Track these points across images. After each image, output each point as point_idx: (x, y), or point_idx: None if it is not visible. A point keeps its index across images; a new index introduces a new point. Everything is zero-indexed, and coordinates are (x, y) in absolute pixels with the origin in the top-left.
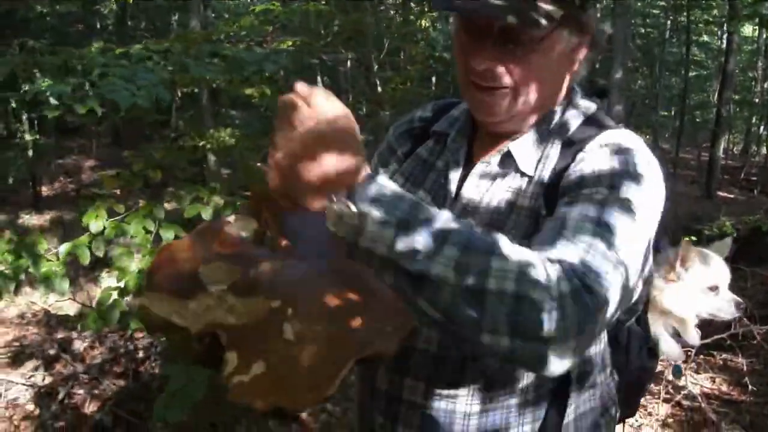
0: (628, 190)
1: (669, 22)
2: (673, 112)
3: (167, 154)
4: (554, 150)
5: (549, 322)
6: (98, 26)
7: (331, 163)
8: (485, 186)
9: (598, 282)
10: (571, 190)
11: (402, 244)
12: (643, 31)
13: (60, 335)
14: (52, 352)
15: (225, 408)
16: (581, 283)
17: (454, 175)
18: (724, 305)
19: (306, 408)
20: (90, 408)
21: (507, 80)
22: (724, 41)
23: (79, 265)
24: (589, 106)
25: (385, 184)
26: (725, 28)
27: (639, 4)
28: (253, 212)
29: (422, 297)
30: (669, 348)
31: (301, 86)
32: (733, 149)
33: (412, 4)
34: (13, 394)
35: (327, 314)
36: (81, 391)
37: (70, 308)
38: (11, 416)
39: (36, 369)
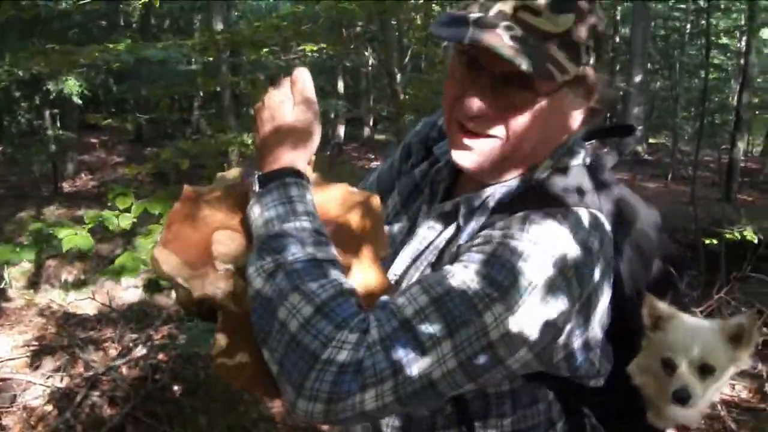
0: (489, 282)
1: (689, 25)
2: (692, 113)
3: (193, 146)
4: (485, 212)
5: (305, 377)
6: (122, 23)
7: (267, 149)
8: (435, 230)
9: (378, 365)
10: (453, 259)
11: (258, 238)
12: (663, 33)
13: (79, 336)
14: (70, 352)
15: (242, 413)
16: (360, 360)
17: (424, 210)
18: (667, 391)
19: (279, 398)
20: (108, 410)
21: (497, 130)
22: (743, 43)
23: (103, 265)
24: (557, 168)
25: (288, 184)
26: (744, 30)
27: (659, 6)
28: None
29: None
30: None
31: (297, 72)
32: (752, 151)
33: (435, 6)
34: (31, 395)
35: None
36: (99, 393)
37: (88, 307)
38: (28, 417)
39: (56, 371)
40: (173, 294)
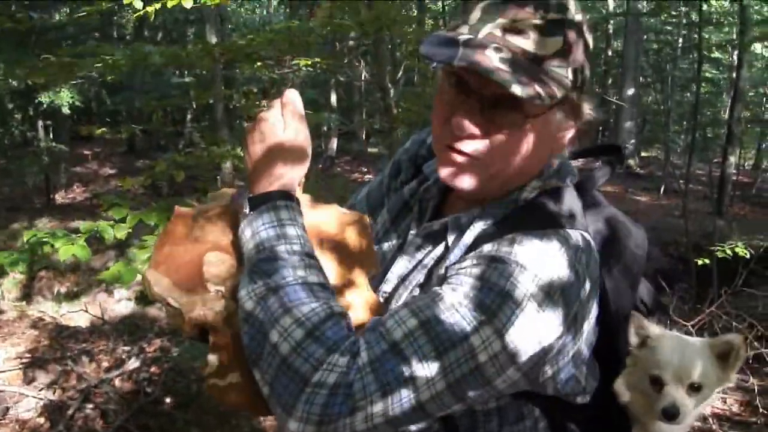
0: (477, 305)
1: (681, 39)
2: (685, 127)
3: (188, 158)
4: (476, 228)
5: (296, 400)
6: (115, 36)
7: (257, 171)
8: (424, 249)
9: (368, 387)
10: (444, 281)
11: (249, 260)
12: (655, 46)
13: (71, 348)
14: (63, 365)
15: (234, 426)
16: (350, 383)
17: (412, 231)
18: (655, 406)
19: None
20: (100, 423)
21: (486, 151)
22: (735, 57)
23: (93, 280)
24: (544, 189)
25: (279, 207)
26: (736, 44)
27: (652, 20)
28: None
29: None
30: None
31: (288, 94)
32: (744, 165)
33: (429, 20)
34: (24, 407)
35: None
36: (91, 406)
37: (81, 319)
38: (21, 430)
39: (49, 383)
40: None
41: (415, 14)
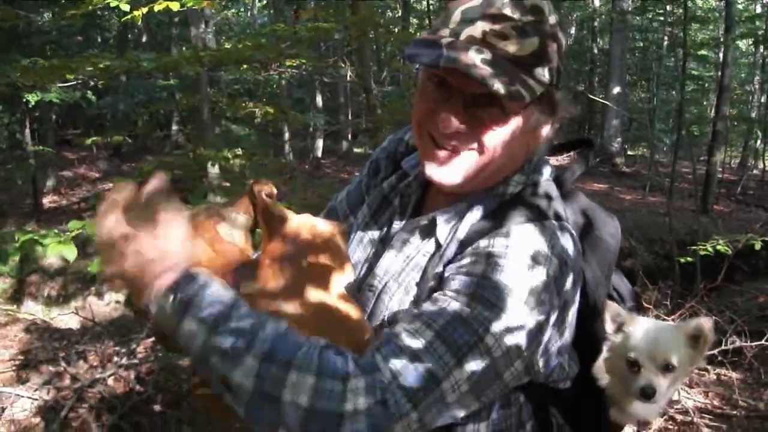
0: (484, 305)
1: (666, 37)
2: (671, 125)
3: (177, 161)
4: (466, 224)
5: None
6: (99, 39)
7: (147, 275)
8: (413, 245)
9: (399, 400)
10: (445, 283)
11: (211, 347)
12: (641, 44)
13: (64, 349)
14: (56, 366)
15: (225, 426)
16: (382, 399)
17: (396, 225)
18: (632, 387)
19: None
20: (93, 422)
21: (471, 146)
22: (721, 55)
23: (84, 281)
24: (527, 183)
25: (205, 283)
26: (721, 40)
27: (637, 18)
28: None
29: (229, 395)
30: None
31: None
32: (730, 163)
33: (413, 20)
34: (18, 408)
35: None
36: (85, 405)
37: (71, 321)
38: (16, 430)
39: (43, 384)
40: None
41: (400, 14)
